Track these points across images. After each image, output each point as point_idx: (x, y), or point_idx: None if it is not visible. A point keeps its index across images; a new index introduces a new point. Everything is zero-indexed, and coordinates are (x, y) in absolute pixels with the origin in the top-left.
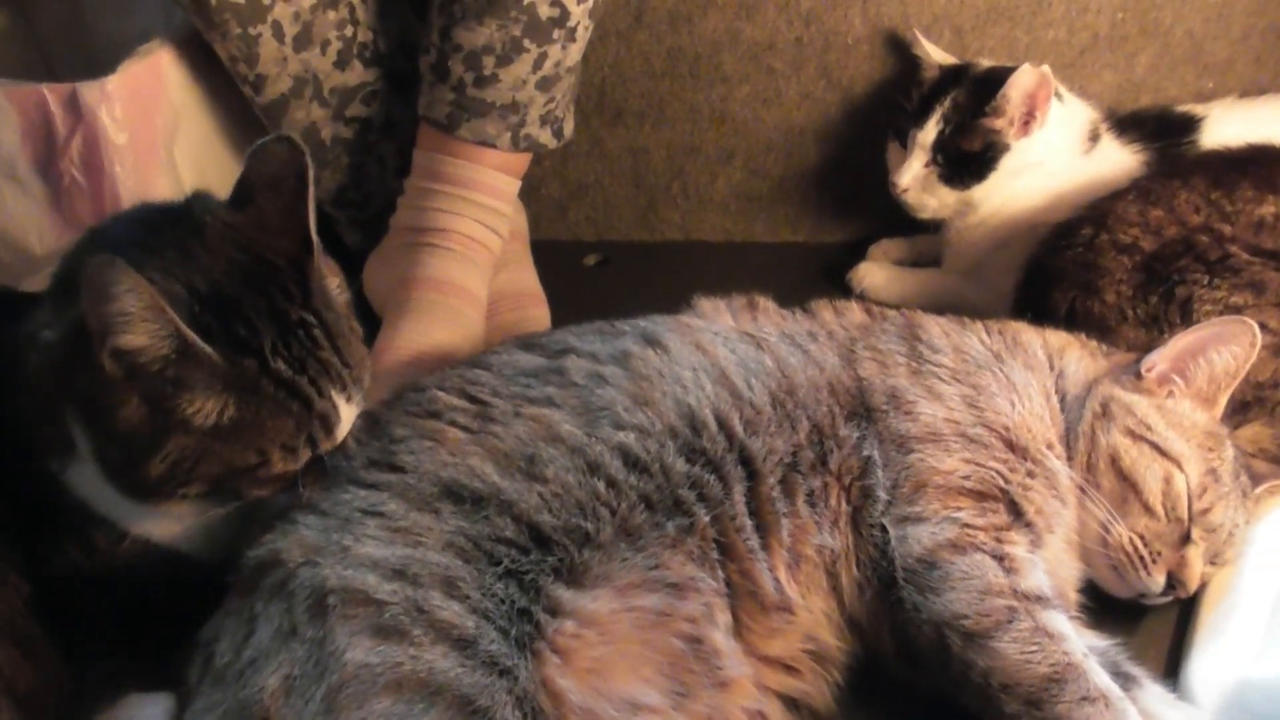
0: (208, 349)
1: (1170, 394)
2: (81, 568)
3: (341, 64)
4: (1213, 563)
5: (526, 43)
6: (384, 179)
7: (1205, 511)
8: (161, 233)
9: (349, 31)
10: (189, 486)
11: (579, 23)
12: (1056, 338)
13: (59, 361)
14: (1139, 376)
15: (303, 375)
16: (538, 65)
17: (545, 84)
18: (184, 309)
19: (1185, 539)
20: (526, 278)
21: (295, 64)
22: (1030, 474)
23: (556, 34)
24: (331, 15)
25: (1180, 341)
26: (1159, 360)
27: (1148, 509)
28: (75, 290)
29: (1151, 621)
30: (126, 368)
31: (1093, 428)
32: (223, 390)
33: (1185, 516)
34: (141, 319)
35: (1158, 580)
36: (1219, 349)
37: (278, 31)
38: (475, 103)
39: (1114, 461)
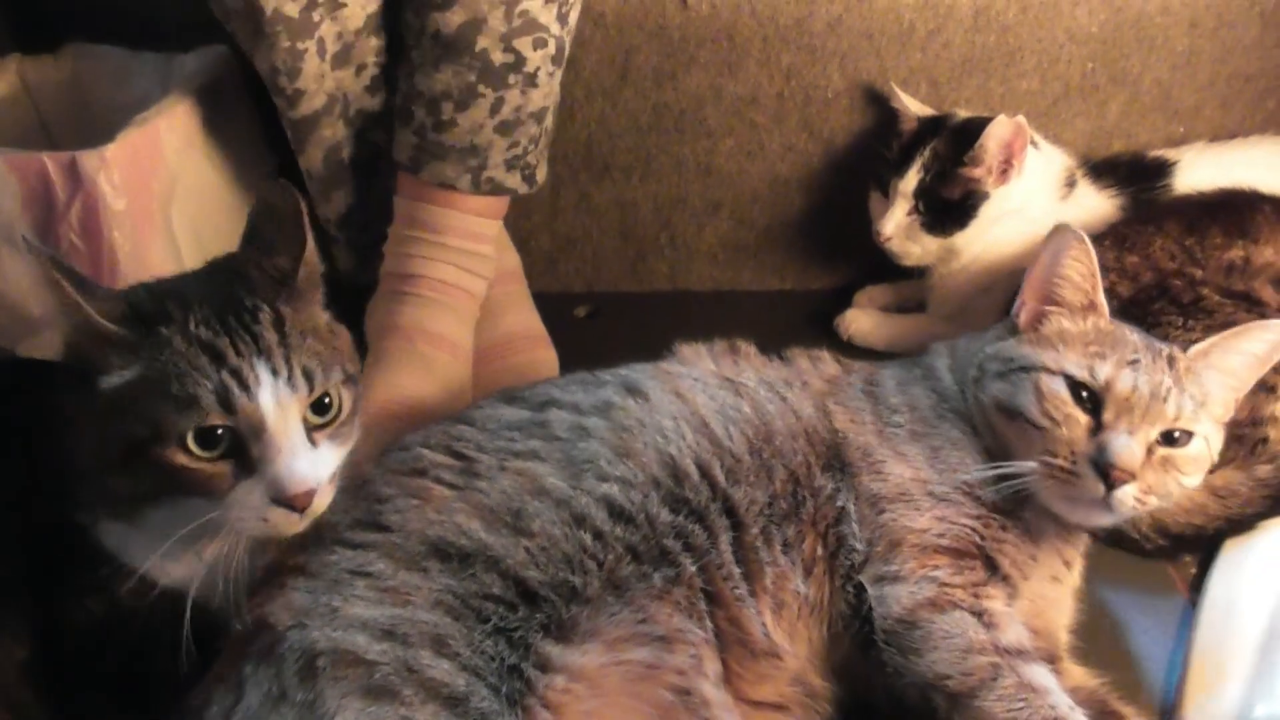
0: (102, 321)
1: (1046, 321)
2: (97, 626)
3: (373, 89)
4: (1167, 433)
5: (481, 88)
6: (387, 205)
7: (1107, 387)
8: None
9: (386, 59)
10: (111, 477)
11: (539, 68)
12: None
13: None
14: (1015, 330)
15: (224, 339)
16: (495, 110)
17: (505, 128)
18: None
19: (1097, 428)
20: (532, 320)
21: (330, 81)
22: (1003, 526)
23: (513, 79)
24: (373, 41)
25: (1031, 276)
26: (1023, 301)
27: (1036, 425)
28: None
29: (1143, 661)
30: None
31: (975, 396)
32: (126, 357)
33: (1076, 411)
34: (64, 304)
35: (1089, 479)
36: (1061, 261)
37: (321, 48)
38: (435, 146)
39: (999, 408)
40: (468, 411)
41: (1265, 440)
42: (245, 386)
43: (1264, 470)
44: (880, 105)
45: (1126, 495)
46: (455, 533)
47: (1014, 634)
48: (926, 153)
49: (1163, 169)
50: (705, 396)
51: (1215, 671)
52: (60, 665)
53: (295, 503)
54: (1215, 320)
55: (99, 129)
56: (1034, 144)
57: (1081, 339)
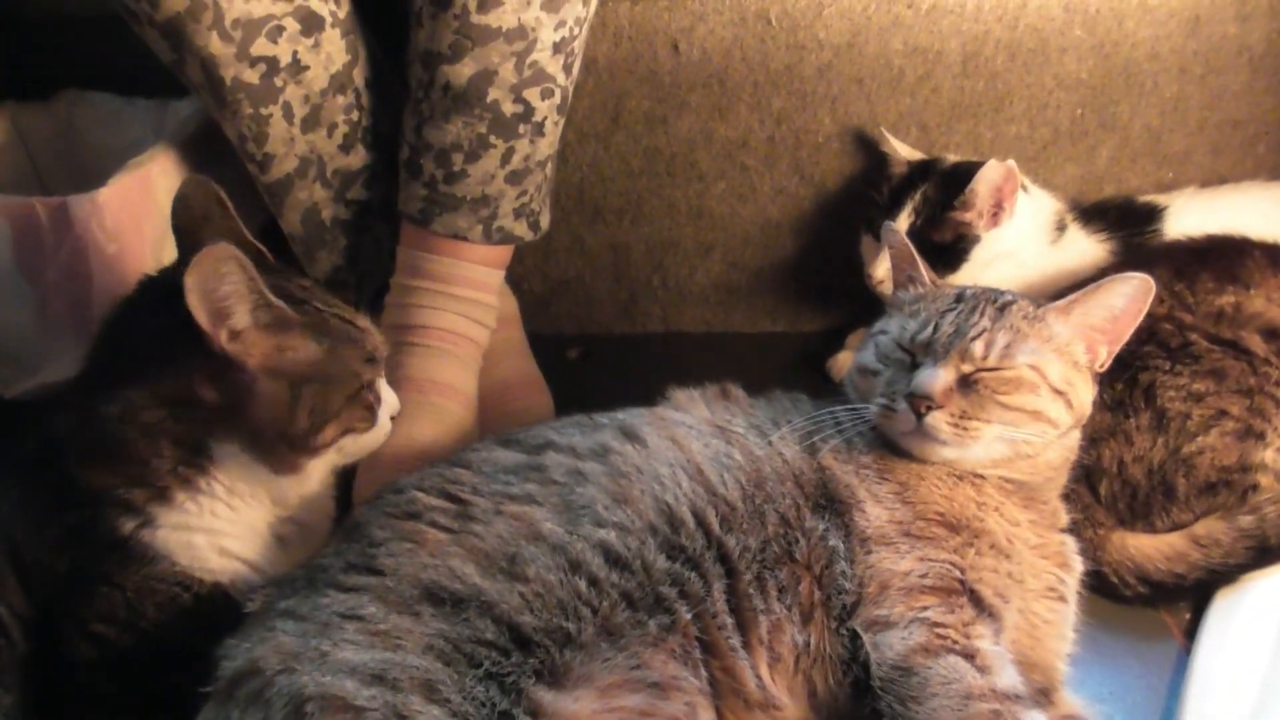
0: (288, 309)
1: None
2: (111, 649)
3: (346, 147)
4: (985, 355)
5: (493, 139)
6: (379, 261)
7: (915, 336)
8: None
9: (355, 116)
10: (326, 429)
11: (546, 117)
12: None
13: (167, 398)
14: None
15: (337, 308)
16: (506, 160)
17: (515, 177)
18: None
19: (912, 368)
20: (528, 366)
21: (302, 144)
22: (979, 552)
23: (523, 129)
24: (340, 100)
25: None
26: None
27: (873, 372)
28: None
29: (1138, 709)
30: (242, 347)
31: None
32: (311, 335)
33: (897, 357)
34: (247, 294)
35: (903, 412)
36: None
37: (288, 112)
38: (447, 198)
39: (857, 368)
40: (463, 454)
41: (1255, 487)
42: (377, 339)
43: (1247, 521)
44: (871, 149)
45: (937, 421)
46: (449, 577)
47: (1008, 677)
48: (917, 197)
49: (1153, 214)
50: (700, 444)
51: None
52: (66, 696)
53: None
54: (1202, 366)
55: (92, 175)
56: (1024, 188)
57: (910, 303)
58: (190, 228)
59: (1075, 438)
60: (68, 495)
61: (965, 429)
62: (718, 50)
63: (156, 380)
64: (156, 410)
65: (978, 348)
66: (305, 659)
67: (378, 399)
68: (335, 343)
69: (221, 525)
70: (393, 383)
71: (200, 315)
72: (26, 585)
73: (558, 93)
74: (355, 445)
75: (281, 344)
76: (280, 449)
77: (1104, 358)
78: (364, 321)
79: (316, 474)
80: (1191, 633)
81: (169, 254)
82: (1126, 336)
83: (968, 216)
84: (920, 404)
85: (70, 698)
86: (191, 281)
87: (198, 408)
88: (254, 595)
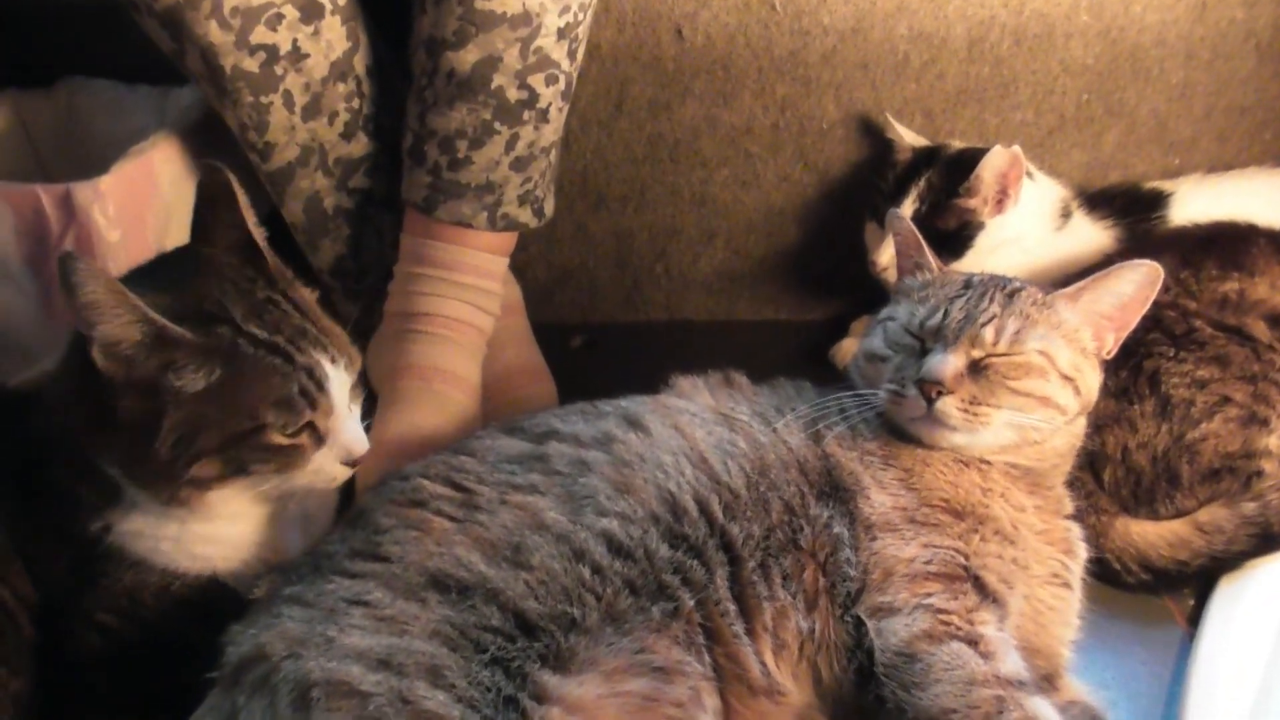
0: (173, 325)
1: (900, 285)
2: (114, 642)
3: (348, 135)
4: (995, 340)
5: (497, 125)
6: (382, 251)
7: (924, 322)
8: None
9: (356, 104)
10: (199, 464)
11: (550, 104)
12: None
13: (71, 391)
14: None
15: (278, 335)
16: (510, 146)
17: (520, 164)
18: (152, 305)
19: (921, 354)
20: (532, 354)
21: (303, 133)
22: (984, 538)
23: (527, 115)
24: (341, 88)
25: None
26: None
27: (881, 358)
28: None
29: (1141, 695)
30: (118, 360)
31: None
32: (203, 359)
33: (907, 343)
34: (110, 306)
35: (913, 397)
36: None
37: (288, 101)
38: (451, 185)
39: (865, 355)
40: (467, 442)
41: (1259, 473)
42: (320, 383)
43: (1249, 508)
44: (875, 136)
45: (948, 406)
46: (455, 565)
47: (1012, 663)
48: (921, 183)
49: (1158, 200)
50: (703, 431)
51: (1214, 706)
52: (66, 694)
53: (358, 461)
54: (1207, 353)
55: (94, 163)
56: (1029, 175)
57: (919, 289)
58: (201, 214)
59: (1081, 424)
60: (50, 490)
61: (975, 414)
62: (721, 36)
63: (61, 384)
64: (62, 413)
65: (988, 333)
66: (311, 644)
67: (316, 440)
68: (236, 374)
69: (179, 532)
70: (396, 370)
71: (79, 321)
72: (33, 575)
73: (562, 79)
74: (283, 484)
75: (166, 362)
76: (151, 478)
77: (1111, 345)
78: (310, 358)
79: (230, 509)
80: (1195, 619)
81: (172, 241)
82: (1134, 324)
83: (972, 203)
84: (931, 389)
85: (71, 698)
86: (62, 287)
87: (80, 417)
88: (259, 582)
